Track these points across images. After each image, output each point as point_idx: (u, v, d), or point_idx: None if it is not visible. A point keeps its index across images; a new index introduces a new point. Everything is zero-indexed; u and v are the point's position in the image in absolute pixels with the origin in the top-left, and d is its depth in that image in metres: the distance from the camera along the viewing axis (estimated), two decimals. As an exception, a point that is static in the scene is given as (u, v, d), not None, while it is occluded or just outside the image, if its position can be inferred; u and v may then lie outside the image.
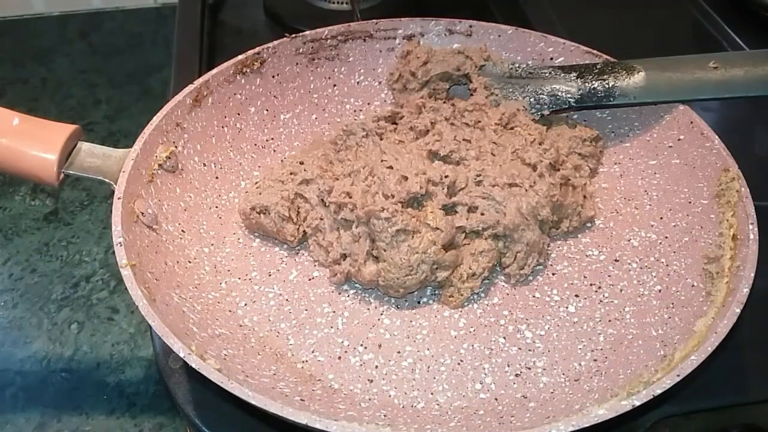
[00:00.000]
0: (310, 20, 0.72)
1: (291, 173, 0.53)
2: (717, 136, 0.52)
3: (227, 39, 0.79)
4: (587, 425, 0.36)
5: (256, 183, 0.55)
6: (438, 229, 0.47)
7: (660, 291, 0.48)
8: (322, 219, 0.50)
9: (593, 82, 0.58)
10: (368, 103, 0.64)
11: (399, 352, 0.46)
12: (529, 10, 0.77)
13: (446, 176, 0.50)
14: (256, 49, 0.59)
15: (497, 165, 0.51)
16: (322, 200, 0.51)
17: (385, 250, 0.47)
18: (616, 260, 0.51)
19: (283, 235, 0.51)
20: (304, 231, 0.51)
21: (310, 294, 0.49)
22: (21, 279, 0.63)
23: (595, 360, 0.45)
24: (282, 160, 0.59)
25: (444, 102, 0.59)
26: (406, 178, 0.48)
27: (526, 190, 0.49)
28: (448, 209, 0.50)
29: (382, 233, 0.46)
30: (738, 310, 0.41)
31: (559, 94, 0.58)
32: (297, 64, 0.61)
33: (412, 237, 0.47)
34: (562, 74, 0.59)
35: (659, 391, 0.37)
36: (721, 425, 0.47)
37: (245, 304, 0.49)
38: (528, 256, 0.49)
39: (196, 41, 0.74)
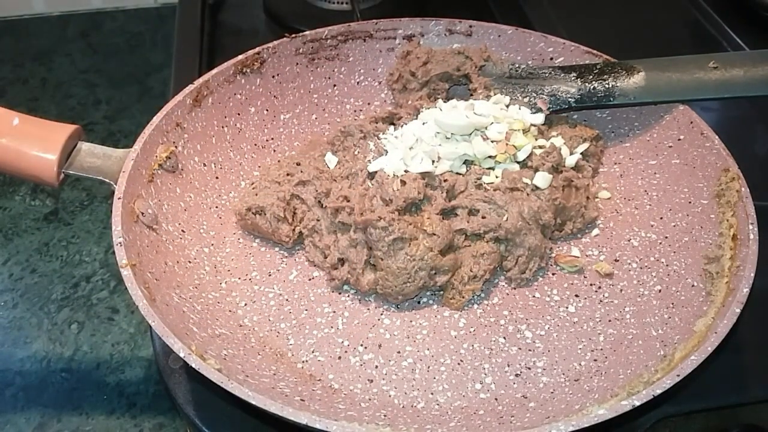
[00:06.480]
0: (310, 20, 0.72)
1: (287, 174, 0.53)
2: (717, 136, 0.52)
3: (227, 39, 0.79)
4: (587, 425, 0.36)
5: (252, 184, 0.55)
6: (435, 234, 0.47)
7: (660, 291, 0.48)
8: (318, 220, 0.50)
9: (593, 82, 0.58)
10: (368, 103, 0.64)
11: (399, 352, 0.46)
12: (529, 10, 0.77)
13: (445, 180, 0.50)
14: (256, 49, 0.59)
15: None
16: (319, 202, 0.51)
17: (382, 259, 0.47)
18: (616, 260, 0.51)
19: (278, 236, 0.51)
20: (300, 232, 0.51)
21: (310, 294, 0.49)
22: (21, 279, 0.63)
23: (595, 360, 0.45)
24: (279, 161, 0.59)
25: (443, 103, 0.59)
26: (404, 183, 0.48)
27: (528, 194, 0.49)
28: (448, 213, 0.50)
29: (378, 242, 0.46)
30: (738, 310, 0.41)
31: (559, 94, 0.58)
32: (297, 64, 0.61)
33: (409, 244, 0.46)
34: (562, 74, 0.59)
35: (659, 391, 0.37)
36: (721, 425, 0.47)
37: (245, 304, 0.49)
38: (530, 260, 0.49)
39: (196, 41, 0.74)
